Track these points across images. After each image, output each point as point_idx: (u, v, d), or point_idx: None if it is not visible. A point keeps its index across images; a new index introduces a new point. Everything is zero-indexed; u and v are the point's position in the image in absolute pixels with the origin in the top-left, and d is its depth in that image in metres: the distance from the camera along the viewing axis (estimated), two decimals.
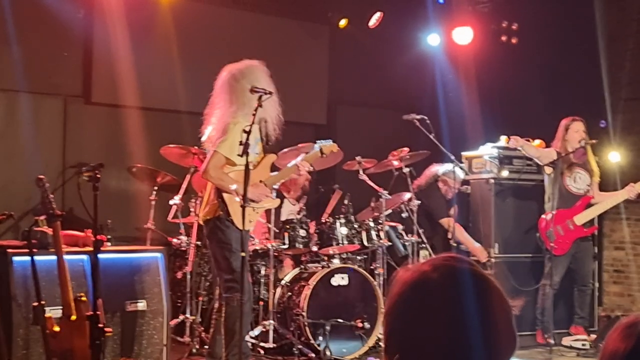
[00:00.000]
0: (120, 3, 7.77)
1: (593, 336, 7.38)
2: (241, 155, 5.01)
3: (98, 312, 4.16)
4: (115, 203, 7.41)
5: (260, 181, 5.48)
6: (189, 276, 6.70)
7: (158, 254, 5.84)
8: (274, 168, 5.98)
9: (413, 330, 1.49)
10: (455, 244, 7.53)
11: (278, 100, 5.53)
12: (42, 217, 4.44)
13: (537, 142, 8.35)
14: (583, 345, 7.24)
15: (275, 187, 5.99)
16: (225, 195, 5.34)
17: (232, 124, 5.35)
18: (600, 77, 9.12)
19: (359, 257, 7.44)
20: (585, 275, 7.57)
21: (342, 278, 6.76)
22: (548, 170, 7.47)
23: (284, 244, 6.87)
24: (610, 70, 9.27)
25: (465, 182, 8.26)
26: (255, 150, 5.39)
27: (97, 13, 7.83)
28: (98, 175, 4.29)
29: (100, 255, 4.49)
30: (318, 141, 6.08)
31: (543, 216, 7.50)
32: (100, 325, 4.13)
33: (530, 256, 7.94)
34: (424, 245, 7.54)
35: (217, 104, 5.50)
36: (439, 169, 8.16)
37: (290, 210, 7.82)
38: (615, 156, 8.97)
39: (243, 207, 4.83)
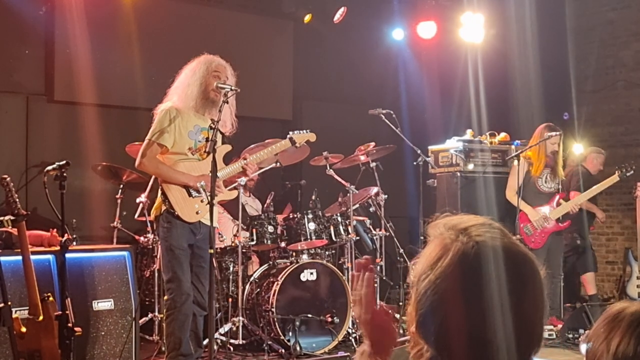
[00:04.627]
0: (82, 0, 7.68)
1: (559, 326, 7.47)
2: (208, 153, 4.97)
3: (67, 312, 4.11)
4: (81, 202, 7.35)
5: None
6: (156, 274, 6.65)
7: (125, 253, 5.79)
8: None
9: (465, 305, 1.44)
10: None
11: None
12: (7, 218, 4.37)
13: (502, 135, 8.44)
14: (550, 335, 7.32)
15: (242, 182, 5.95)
16: (165, 187, 5.29)
17: (161, 109, 5.34)
18: (566, 70, 9.22)
19: (327, 252, 7.45)
20: (556, 267, 7.67)
21: (311, 273, 6.77)
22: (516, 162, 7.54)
23: (252, 240, 6.87)
24: (576, 63, 9.39)
25: (431, 176, 8.32)
26: (197, 138, 5.32)
27: (59, 10, 7.73)
28: (65, 174, 4.23)
29: (66, 255, 4.44)
30: (291, 132, 6.03)
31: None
32: (70, 324, 4.08)
33: None
34: None
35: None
36: None
37: (244, 202, 7.78)
38: (578, 148, 9.10)
39: (211, 204, 4.79)
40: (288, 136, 5.96)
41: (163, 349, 6.41)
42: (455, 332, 1.43)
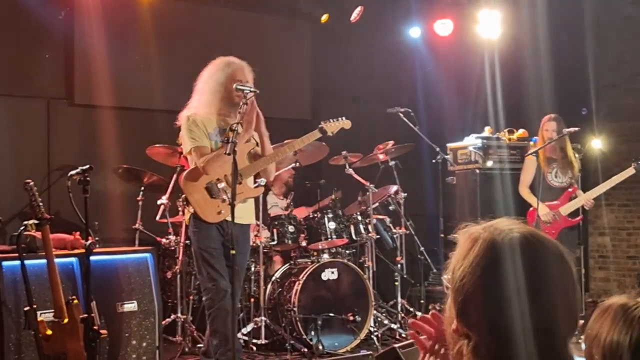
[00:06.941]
0: (100, 4, 7.73)
1: (581, 322, 7.40)
2: (228, 154, 4.97)
3: (92, 314, 4.16)
4: (102, 204, 7.39)
5: None
6: (178, 275, 6.70)
7: (147, 255, 5.82)
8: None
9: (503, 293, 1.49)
10: None
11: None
12: (31, 222, 4.42)
13: (521, 131, 8.42)
14: None
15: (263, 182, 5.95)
16: (186, 192, 5.32)
17: (183, 120, 5.37)
18: (585, 65, 9.16)
19: (347, 251, 7.47)
20: None
21: (332, 272, 6.78)
22: (530, 157, 7.45)
23: (272, 240, 6.90)
24: (594, 57, 9.33)
25: (450, 173, 8.31)
26: (217, 139, 5.33)
27: (78, 14, 7.78)
28: (88, 178, 4.28)
29: (90, 258, 4.48)
30: (323, 121, 5.87)
31: (531, 208, 7.53)
32: (95, 327, 4.13)
33: None
34: None
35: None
36: None
37: (274, 202, 7.83)
38: (597, 143, 9.04)
39: (232, 205, 4.82)
40: (319, 126, 5.84)
41: (186, 349, 6.48)
42: (495, 315, 1.49)
